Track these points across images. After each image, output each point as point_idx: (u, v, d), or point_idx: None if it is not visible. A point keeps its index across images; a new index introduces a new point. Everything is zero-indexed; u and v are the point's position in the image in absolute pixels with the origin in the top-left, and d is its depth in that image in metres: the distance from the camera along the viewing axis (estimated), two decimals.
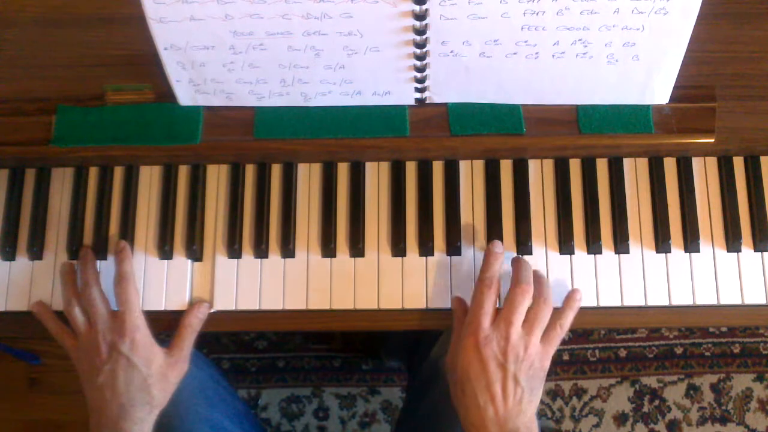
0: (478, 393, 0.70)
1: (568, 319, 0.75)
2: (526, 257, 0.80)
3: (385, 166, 0.84)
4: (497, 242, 0.78)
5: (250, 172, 0.84)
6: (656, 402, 1.51)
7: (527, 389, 0.70)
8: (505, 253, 0.78)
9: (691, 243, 0.80)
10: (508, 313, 0.72)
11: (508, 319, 0.72)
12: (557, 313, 0.75)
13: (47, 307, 0.80)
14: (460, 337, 0.74)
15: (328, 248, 0.81)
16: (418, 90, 0.78)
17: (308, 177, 0.84)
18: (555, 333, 0.73)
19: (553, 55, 0.73)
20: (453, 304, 0.79)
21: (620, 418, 1.51)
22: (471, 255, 0.81)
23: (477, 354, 0.71)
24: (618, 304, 0.80)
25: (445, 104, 0.79)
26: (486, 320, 0.72)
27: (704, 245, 0.80)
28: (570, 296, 0.77)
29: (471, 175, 0.83)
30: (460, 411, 0.73)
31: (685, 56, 0.73)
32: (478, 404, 0.70)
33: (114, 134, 0.79)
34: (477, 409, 0.70)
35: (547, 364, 0.73)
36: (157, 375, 0.75)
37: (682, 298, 0.79)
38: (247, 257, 0.82)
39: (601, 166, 0.83)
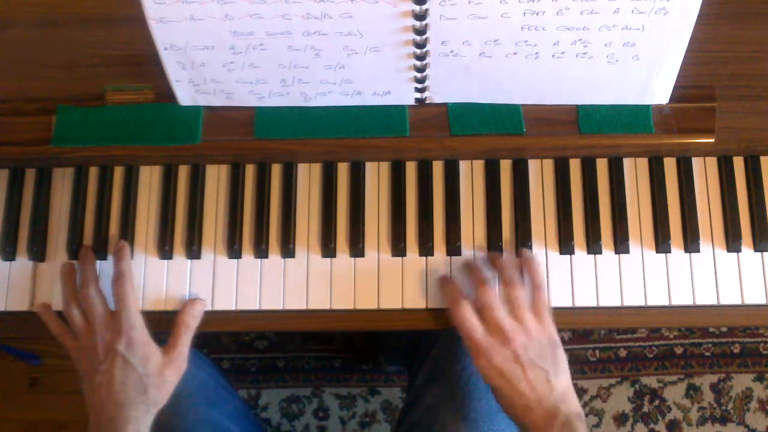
0: (512, 395, 0.72)
1: (539, 277, 0.77)
2: None
3: (385, 166, 0.84)
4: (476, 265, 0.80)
5: (250, 172, 0.84)
6: (656, 402, 1.51)
7: (550, 368, 0.72)
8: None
9: (691, 243, 0.80)
10: (490, 316, 0.73)
11: (495, 320, 0.73)
12: (529, 284, 0.77)
13: (49, 308, 0.80)
14: (473, 354, 0.74)
15: (328, 248, 0.81)
16: (418, 90, 0.78)
17: (308, 177, 0.84)
18: (537, 298, 0.75)
19: (553, 55, 0.73)
20: (442, 285, 0.79)
21: (620, 418, 1.50)
22: (471, 255, 0.81)
23: (494, 368, 0.72)
24: (618, 304, 0.80)
25: (445, 104, 0.79)
26: (478, 334, 0.73)
27: (704, 245, 0.80)
28: (522, 258, 0.78)
29: (471, 175, 0.83)
30: (501, 402, 0.75)
31: (685, 56, 0.73)
32: (514, 401, 0.72)
33: (114, 134, 0.79)
34: (518, 402, 0.72)
35: (551, 330, 0.74)
36: (153, 374, 0.75)
37: (682, 298, 0.79)
38: (247, 257, 0.82)
39: (601, 166, 0.83)
